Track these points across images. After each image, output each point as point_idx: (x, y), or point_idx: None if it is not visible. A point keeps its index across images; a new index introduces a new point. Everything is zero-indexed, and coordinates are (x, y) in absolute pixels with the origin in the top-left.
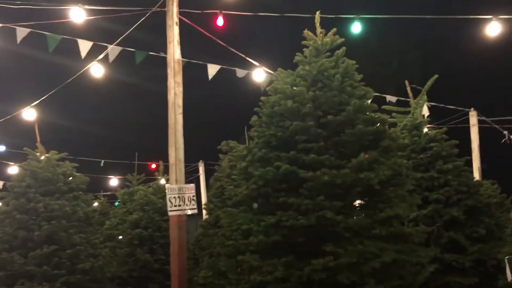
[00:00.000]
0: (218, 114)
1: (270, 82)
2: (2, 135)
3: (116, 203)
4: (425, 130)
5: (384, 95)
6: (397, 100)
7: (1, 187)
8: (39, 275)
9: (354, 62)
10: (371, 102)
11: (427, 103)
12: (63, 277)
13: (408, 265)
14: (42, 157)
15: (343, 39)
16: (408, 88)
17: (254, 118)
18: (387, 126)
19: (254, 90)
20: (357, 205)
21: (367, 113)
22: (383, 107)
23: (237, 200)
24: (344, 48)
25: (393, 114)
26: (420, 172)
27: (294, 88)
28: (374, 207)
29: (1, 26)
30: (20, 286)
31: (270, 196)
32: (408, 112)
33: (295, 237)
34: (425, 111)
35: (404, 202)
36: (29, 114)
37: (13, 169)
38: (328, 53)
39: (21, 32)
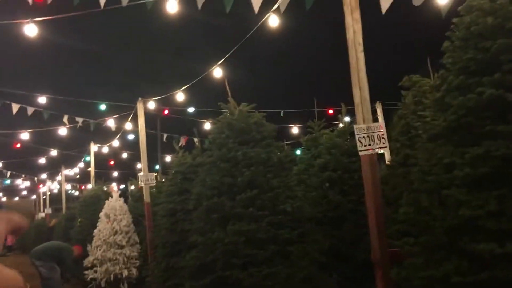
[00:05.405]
0: (392, 49)
1: (453, 5)
2: (194, 95)
3: (297, 151)
4: None
5: None
6: None
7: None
8: (246, 216)
9: None
10: None
11: None
12: (267, 217)
13: None
14: (235, 110)
15: None
16: None
17: (447, 43)
18: None
19: (433, 18)
20: None
21: None
22: None
23: (433, 134)
24: None
25: None
26: None
27: (493, 3)
28: None
29: None
30: (232, 226)
31: (472, 125)
32: None
33: (507, 167)
34: None
35: None
36: (217, 72)
37: (207, 126)
38: None
39: None
